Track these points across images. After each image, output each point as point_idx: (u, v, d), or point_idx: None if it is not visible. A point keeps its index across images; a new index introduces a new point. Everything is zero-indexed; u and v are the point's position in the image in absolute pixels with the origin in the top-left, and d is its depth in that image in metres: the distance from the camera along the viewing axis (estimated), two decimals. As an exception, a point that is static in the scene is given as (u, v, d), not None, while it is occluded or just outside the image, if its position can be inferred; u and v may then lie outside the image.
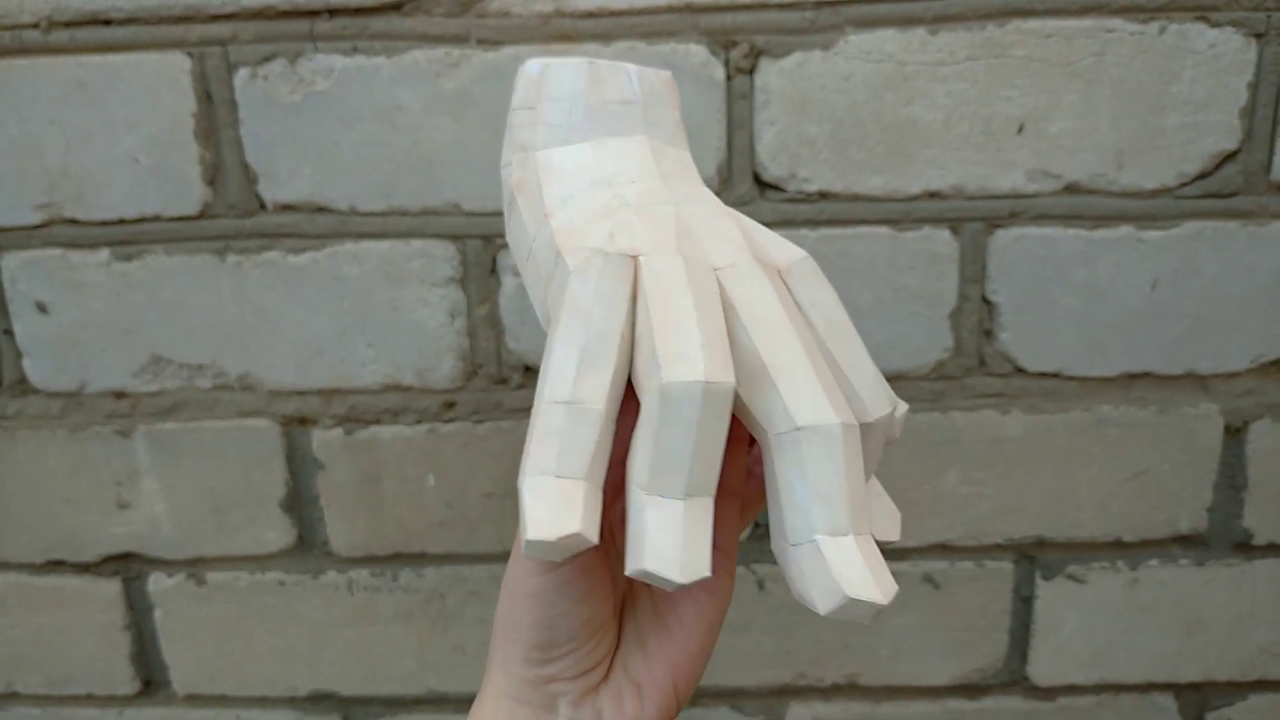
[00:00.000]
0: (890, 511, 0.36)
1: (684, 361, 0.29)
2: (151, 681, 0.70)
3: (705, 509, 0.30)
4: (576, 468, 0.30)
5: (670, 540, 0.29)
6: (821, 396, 0.30)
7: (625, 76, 0.38)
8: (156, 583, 0.67)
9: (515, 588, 0.35)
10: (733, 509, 0.38)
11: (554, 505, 0.30)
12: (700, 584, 0.38)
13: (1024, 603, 0.66)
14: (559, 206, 0.37)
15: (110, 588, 0.68)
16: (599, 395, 0.31)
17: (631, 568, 0.29)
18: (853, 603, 0.28)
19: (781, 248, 0.35)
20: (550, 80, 0.38)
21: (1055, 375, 0.61)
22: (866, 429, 0.32)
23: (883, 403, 0.33)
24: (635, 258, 0.32)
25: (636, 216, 0.34)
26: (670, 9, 0.55)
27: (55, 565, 0.67)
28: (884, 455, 0.61)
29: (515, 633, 0.35)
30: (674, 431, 0.29)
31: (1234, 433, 0.61)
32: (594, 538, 0.30)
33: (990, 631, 0.66)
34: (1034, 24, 0.54)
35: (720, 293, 0.32)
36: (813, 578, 0.29)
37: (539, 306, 0.37)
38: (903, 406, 0.38)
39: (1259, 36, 0.54)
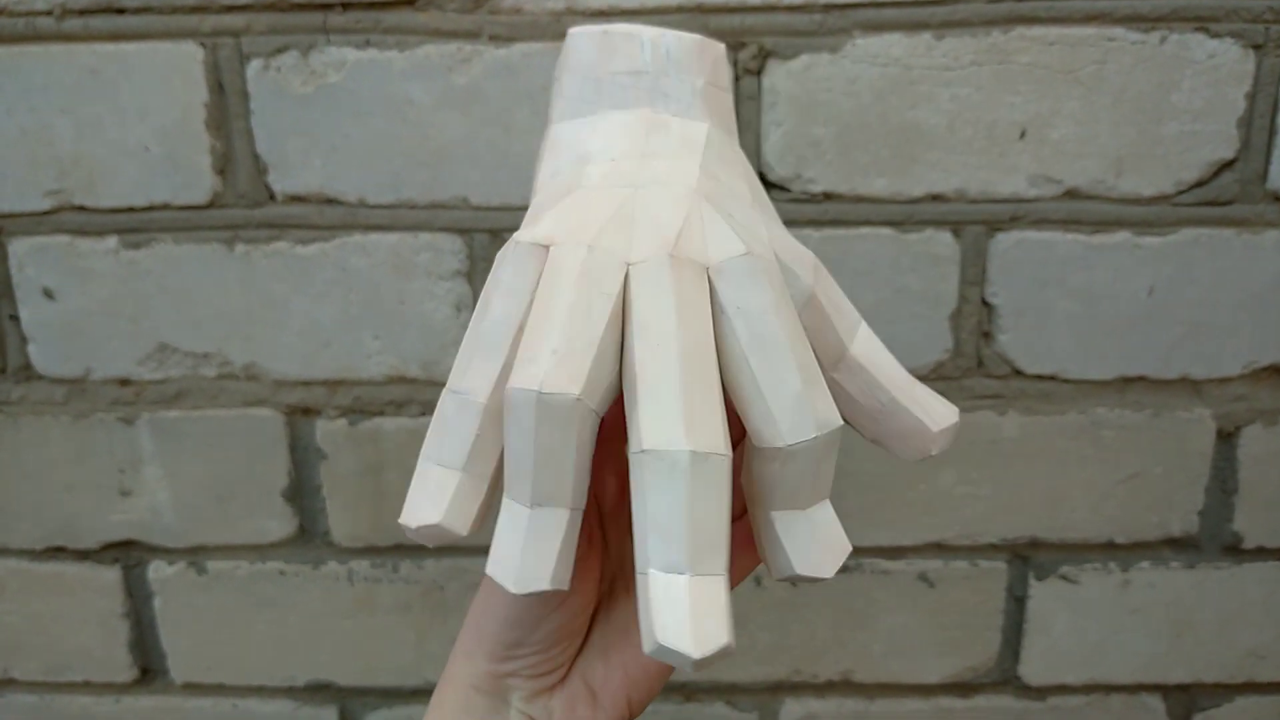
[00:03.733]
0: (831, 544, 0.31)
1: (530, 366, 0.28)
2: (149, 670, 0.70)
3: (556, 520, 0.29)
4: (454, 458, 0.30)
5: (511, 547, 0.29)
6: (676, 418, 0.28)
7: (638, 45, 0.36)
8: (157, 570, 0.68)
9: (493, 585, 0.35)
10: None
11: (427, 493, 0.30)
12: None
13: (1017, 602, 0.66)
14: (545, 183, 0.36)
15: (110, 575, 0.68)
16: (482, 388, 0.30)
17: (487, 569, 0.29)
18: (662, 649, 0.26)
19: (725, 240, 0.31)
20: (569, 50, 0.37)
21: (1052, 378, 0.61)
22: (776, 454, 0.29)
23: (803, 426, 0.29)
24: (547, 247, 0.31)
25: (581, 201, 0.33)
26: (680, 9, 0.56)
27: (55, 551, 0.67)
28: (881, 453, 0.62)
29: (486, 626, 0.35)
30: (517, 439, 0.28)
31: (1226, 437, 0.62)
32: (460, 530, 0.30)
33: (983, 630, 0.67)
34: (1038, 31, 0.55)
35: (624, 292, 0.30)
36: (641, 612, 0.27)
37: None
38: (946, 417, 0.35)
39: (1257, 48, 0.55)
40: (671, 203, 0.32)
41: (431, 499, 0.30)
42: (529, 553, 0.28)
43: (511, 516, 0.29)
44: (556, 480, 0.28)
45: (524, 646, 0.35)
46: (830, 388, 0.34)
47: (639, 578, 0.28)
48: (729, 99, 0.39)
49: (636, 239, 0.31)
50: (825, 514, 0.31)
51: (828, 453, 0.30)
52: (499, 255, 0.32)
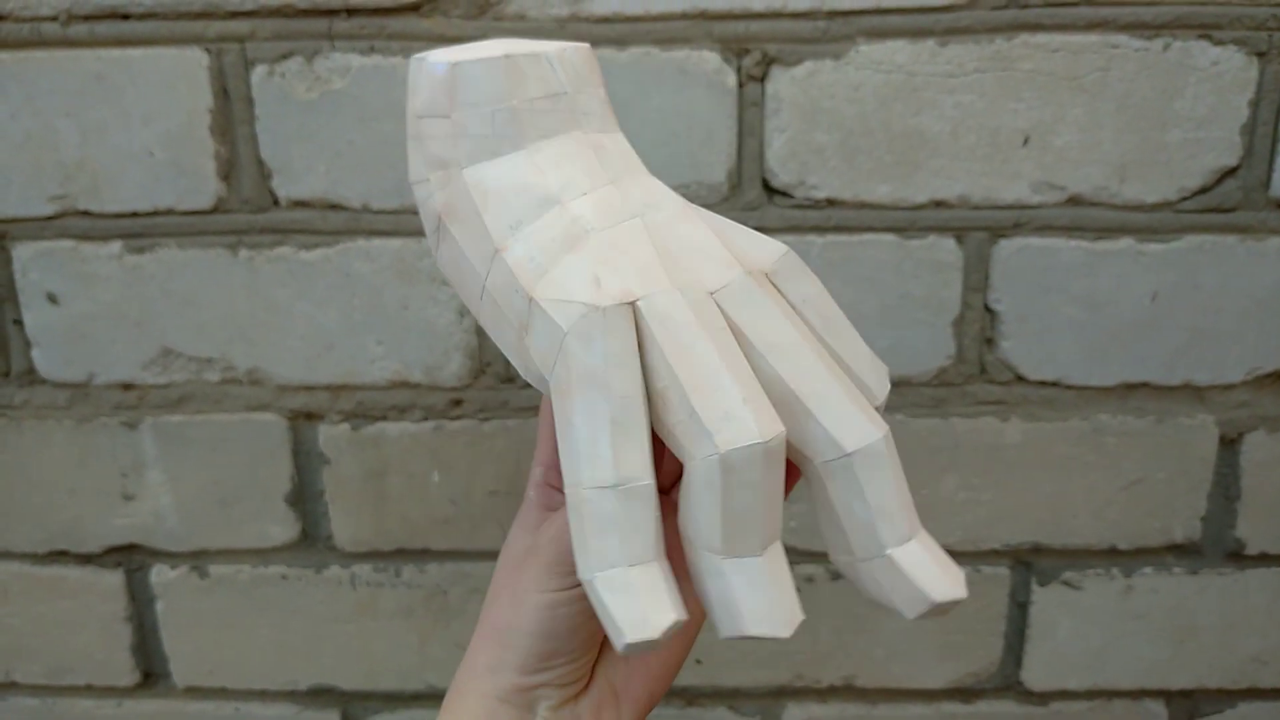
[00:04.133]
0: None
1: (734, 423, 0.28)
2: (151, 673, 0.70)
3: (779, 554, 0.30)
4: (644, 552, 0.29)
5: (765, 600, 0.29)
6: (860, 417, 0.30)
7: (547, 66, 0.33)
8: (159, 574, 0.68)
9: (524, 597, 0.35)
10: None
11: (642, 600, 0.28)
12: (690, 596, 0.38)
13: (1019, 608, 0.66)
14: (509, 236, 0.32)
15: (113, 579, 0.68)
16: (642, 469, 0.29)
17: (729, 632, 0.29)
18: (940, 606, 0.29)
19: (756, 244, 0.33)
20: (463, 83, 0.33)
21: (1055, 384, 0.61)
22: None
23: (884, 382, 0.33)
24: (632, 304, 0.30)
25: (609, 245, 0.31)
26: (684, 16, 0.56)
27: (58, 555, 0.68)
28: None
29: (514, 639, 0.35)
30: (743, 494, 0.28)
31: (1229, 443, 0.62)
32: (684, 616, 0.29)
33: (986, 636, 0.67)
34: (1041, 38, 0.55)
35: (724, 318, 0.31)
36: (893, 589, 0.30)
37: (511, 354, 0.33)
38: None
39: (1261, 55, 0.55)
40: (684, 223, 0.33)
41: (651, 604, 0.28)
42: (781, 594, 0.29)
43: (745, 573, 0.29)
44: (775, 516, 0.30)
45: (558, 657, 0.35)
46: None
47: (863, 565, 0.30)
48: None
49: (699, 268, 0.32)
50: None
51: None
52: (576, 328, 0.29)
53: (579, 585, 0.33)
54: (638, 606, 0.28)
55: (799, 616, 0.29)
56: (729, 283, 0.31)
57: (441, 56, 0.33)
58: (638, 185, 0.34)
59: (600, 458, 0.29)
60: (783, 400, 0.30)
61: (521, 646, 0.35)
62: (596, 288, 0.30)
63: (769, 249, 0.33)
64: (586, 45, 0.36)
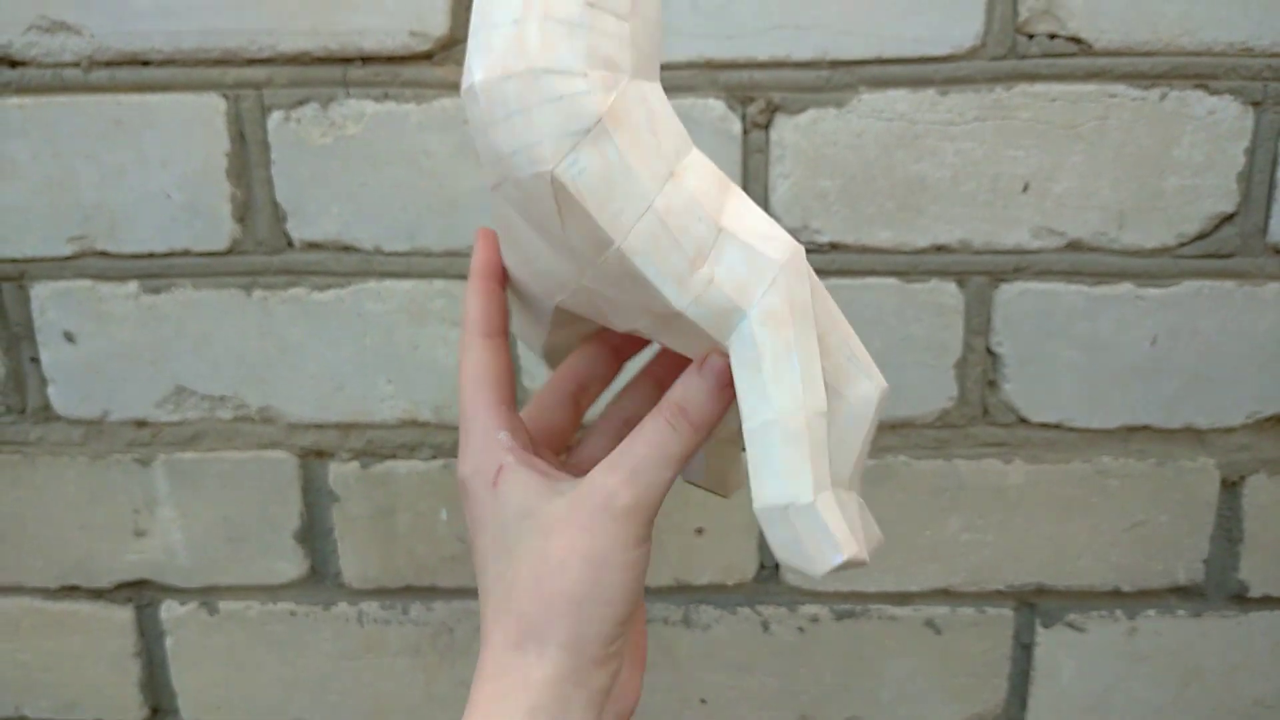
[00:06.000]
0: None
1: (870, 370, 0.33)
2: (159, 709, 0.71)
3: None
4: (846, 471, 0.33)
5: (848, 527, 0.31)
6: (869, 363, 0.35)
7: None
8: (169, 610, 0.68)
9: (605, 558, 0.32)
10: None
11: (849, 522, 0.32)
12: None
13: (1024, 649, 0.67)
14: (678, 163, 0.31)
15: (123, 614, 0.68)
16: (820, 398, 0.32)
17: (827, 563, 0.31)
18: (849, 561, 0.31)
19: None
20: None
21: (1057, 426, 0.62)
22: None
23: None
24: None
25: (742, 197, 0.32)
26: (690, 65, 0.57)
27: (69, 590, 0.68)
28: (890, 502, 0.63)
29: (597, 609, 0.32)
30: (867, 429, 0.33)
31: (1230, 486, 0.63)
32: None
33: (990, 677, 0.67)
34: (1040, 88, 0.56)
35: None
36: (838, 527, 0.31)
37: (665, 278, 0.31)
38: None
39: (1256, 104, 0.56)
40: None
41: (853, 527, 0.32)
42: (864, 524, 0.33)
43: (847, 504, 0.32)
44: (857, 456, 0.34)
45: (632, 621, 0.34)
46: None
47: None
48: None
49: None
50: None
51: None
52: (794, 265, 0.31)
53: (649, 537, 0.34)
54: (846, 527, 0.31)
55: (876, 536, 0.34)
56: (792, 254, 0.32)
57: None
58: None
59: (817, 386, 0.30)
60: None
61: (605, 616, 0.33)
62: (782, 231, 0.31)
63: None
64: None
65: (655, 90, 0.31)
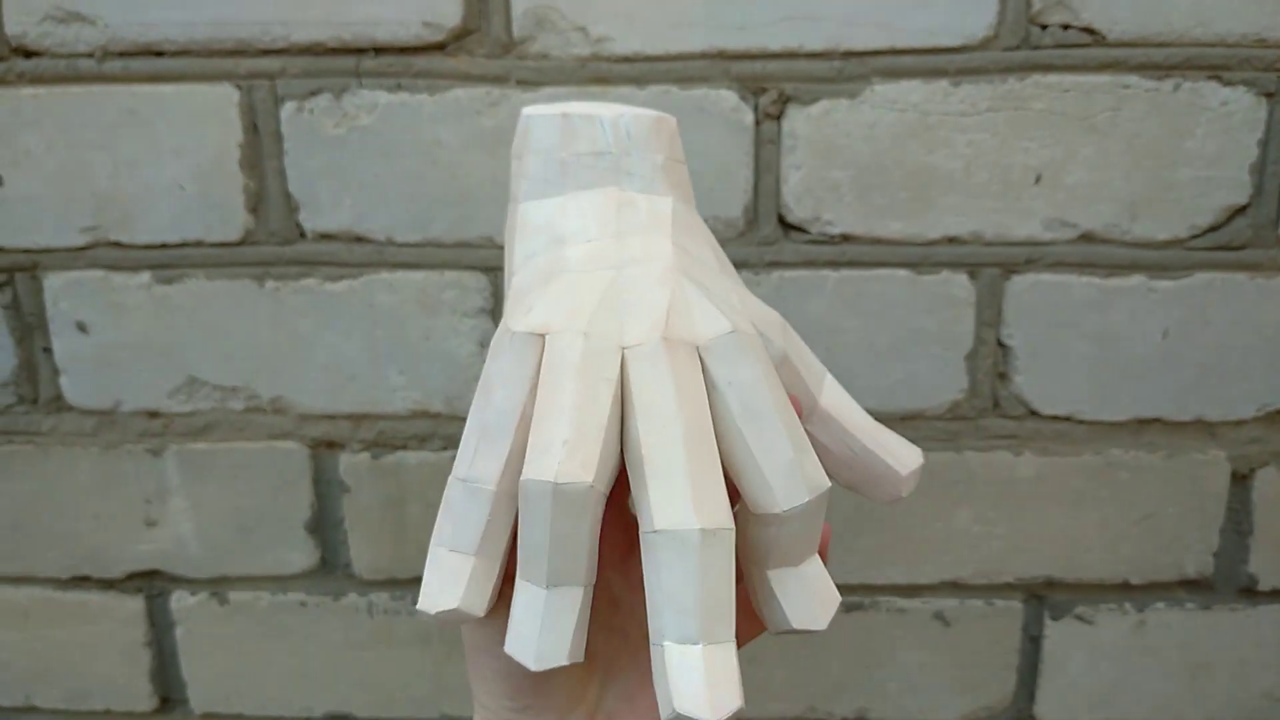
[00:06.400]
0: (823, 597, 0.33)
1: (544, 458, 0.29)
2: (169, 699, 0.71)
3: (570, 598, 0.30)
4: (466, 544, 0.31)
5: (529, 627, 0.30)
6: (685, 499, 0.29)
7: (598, 127, 0.37)
8: (179, 600, 0.68)
9: (468, 645, 0.35)
10: None
11: (442, 579, 0.31)
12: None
13: (1032, 642, 0.67)
14: (521, 265, 0.36)
15: (134, 604, 0.69)
16: (491, 475, 0.31)
17: (505, 648, 0.31)
18: (681, 717, 0.28)
19: (709, 318, 0.33)
20: (531, 132, 0.38)
21: (1067, 419, 0.62)
22: (773, 519, 0.31)
23: (796, 492, 0.31)
24: (543, 336, 0.32)
25: (568, 286, 0.34)
26: (703, 56, 0.57)
27: (80, 580, 0.68)
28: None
29: (480, 683, 0.36)
30: (532, 525, 0.30)
31: (1240, 479, 0.63)
32: (478, 612, 0.31)
33: (999, 670, 0.67)
34: (1053, 79, 0.56)
35: (622, 376, 0.31)
36: (657, 681, 0.29)
37: None
38: (913, 460, 0.37)
39: (1269, 96, 0.56)
40: (655, 283, 0.34)
41: (448, 585, 0.31)
42: (547, 631, 0.30)
43: (528, 598, 0.30)
44: (571, 561, 0.30)
45: (525, 693, 0.35)
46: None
47: (654, 649, 0.29)
48: (685, 170, 0.40)
49: (628, 323, 0.32)
50: (815, 568, 0.33)
51: (818, 513, 0.32)
52: (494, 345, 0.33)
53: (488, 630, 0.34)
54: (437, 584, 0.31)
55: (559, 659, 0.30)
56: (641, 343, 0.32)
57: (528, 108, 0.38)
58: (643, 243, 0.36)
59: (464, 454, 0.32)
60: (635, 464, 0.30)
61: (489, 688, 0.36)
62: (526, 316, 0.33)
63: (715, 326, 0.32)
64: (656, 114, 0.38)
65: None
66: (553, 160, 0.37)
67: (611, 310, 0.33)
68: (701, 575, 0.29)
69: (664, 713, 0.28)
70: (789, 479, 0.31)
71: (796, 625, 0.32)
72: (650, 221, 0.37)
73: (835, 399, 0.38)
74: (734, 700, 0.28)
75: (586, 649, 0.36)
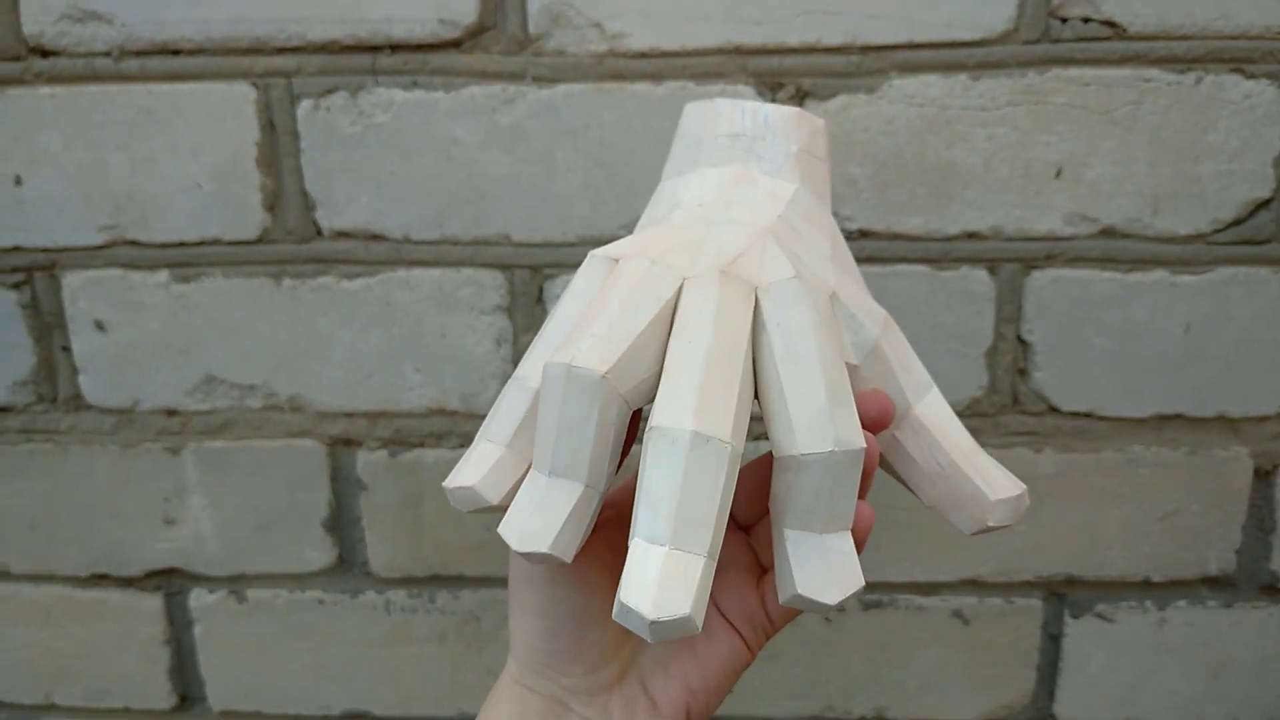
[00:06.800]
0: (841, 573, 0.31)
1: (569, 347, 0.30)
2: (188, 697, 0.71)
3: (569, 491, 0.30)
4: (500, 434, 0.33)
5: (521, 511, 0.30)
6: (688, 401, 0.29)
7: (739, 112, 0.40)
8: (198, 598, 0.69)
9: (513, 576, 0.36)
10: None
11: (471, 462, 0.32)
12: (732, 623, 0.38)
13: (1052, 640, 0.66)
14: (646, 224, 0.40)
15: (152, 602, 0.69)
16: (535, 374, 0.33)
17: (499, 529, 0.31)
18: (623, 608, 0.27)
19: (774, 266, 0.33)
20: (683, 120, 0.42)
21: (1088, 415, 0.62)
22: (791, 463, 0.30)
23: (821, 438, 0.30)
24: (617, 260, 0.34)
25: (664, 228, 0.36)
26: (720, 51, 0.57)
27: (99, 579, 0.69)
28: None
29: (520, 619, 0.36)
30: (545, 410, 0.30)
31: (1263, 476, 0.62)
32: (491, 497, 0.32)
33: (1018, 668, 0.67)
34: (1073, 72, 0.56)
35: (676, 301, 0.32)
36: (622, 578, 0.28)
37: None
38: (1008, 489, 0.35)
39: (1292, 89, 0.56)
40: (740, 236, 0.34)
41: (474, 467, 0.32)
42: (538, 514, 0.30)
43: (530, 483, 0.31)
44: (575, 453, 0.30)
45: (558, 655, 0.36)
46: (890, 446, 0.36)
47: (630, 541, 0.29)
48: (825, 168, 0.41)
49: (698, 259, 0.33)
50: (841, 542, 0.31)
51: (845, 474, 0.30)
52: (579, 270, 0.34)
53: (556, 588, 0.35)
54: (466, 466, 0.33)
55: (542, 544, 0.29)
56: (700, 272, 0.32)
57: (690, 102, 0.42)
58: (750, 212, 0.37)
59: (525, 359, 0.34)
60: (659, 374, 0.31)
61: (524, 645, 0.36)
62: (609, 247, 0.35)
63: (779, 272, 0.33)
64: (799, 110, 0.40)
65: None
66: (693, 142, 0.40)
67: (687, 249, 0.34)
68: (684, 477, 0.28)
69: (615, 609, 0.28)
70: (814, 423, 0.30)
71: (801, 591, 0.31)
72: (766, 199, 0.38)
73: (934, 412, 0.37)
74: (682, 605, 0.27)
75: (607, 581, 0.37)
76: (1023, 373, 0.61)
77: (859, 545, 0.33)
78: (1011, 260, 0.59)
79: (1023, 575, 0.65)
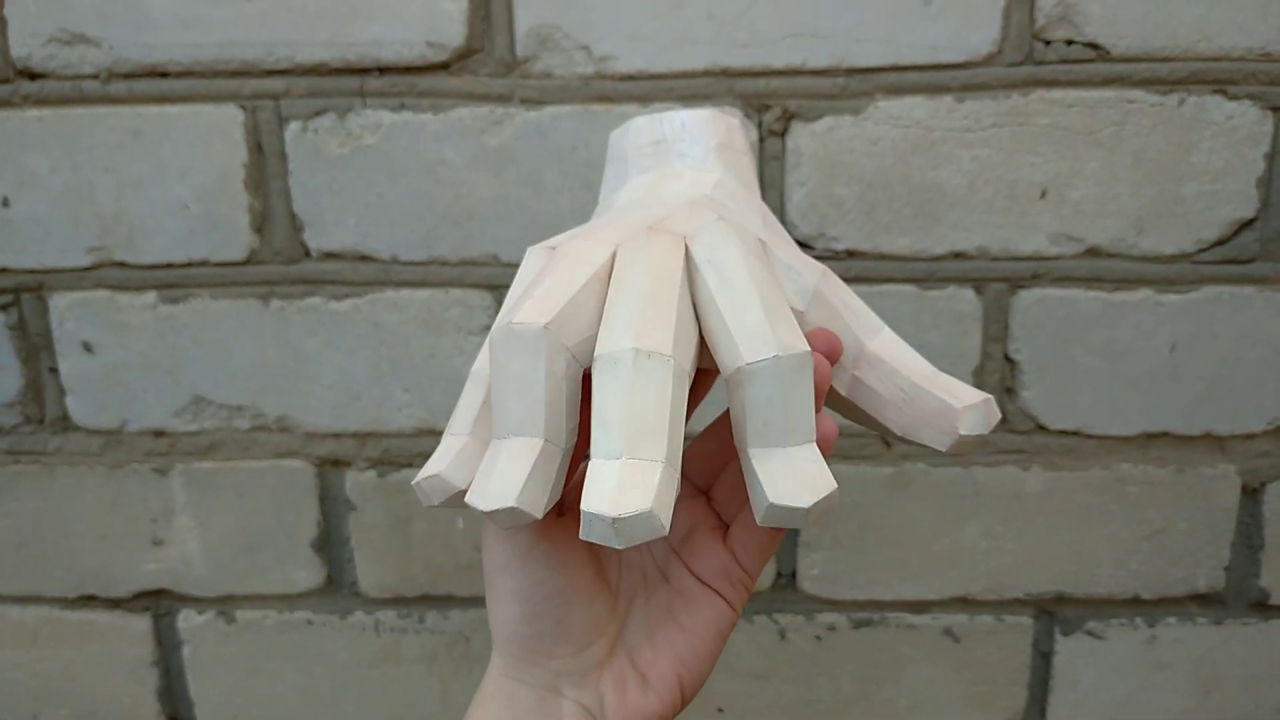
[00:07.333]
0: (809, 478, 0.31)
1: (511, 313, 0.31)
2: (177, 718, 0.71)
3: (528, 447, 0.30)
4: (461, 426, 0.34)
5: (484, 474, 0.30)
6: (626, 328, 0.30)
7: (656, 123, 0.42)
8: (186, 619, 0.68)
9: (488, 565, 0.36)
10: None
11: (438, 455, 0.33)
12: (710, 585, 0.38)
13: (1043, 658, 0.66)
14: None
15: (140, 623, 0.69)
16: (487, 365, 0.34)
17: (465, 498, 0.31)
18: (587, 517, 0.27)
19: (699, 217, 0.35)
20: (609, 147, 0.43)
21: (1075, 433, 0.62)
22: (742, 376, 0.30)
23: (763, 346, 0.30)
24: (554, 249, 0.35)
25: (593, 223, 0.37)
26: (707, 73, 0.57)
27: (87, 600, 0.68)
28: (906, 509, 0.63)
29: (499, 608, 0.36)
30: (495, 378, 0.31)
31: (1251, 493, 0.62)
32: (459, 482, 0.32)
33: (1009, 686, 0.67)
34: (1057, 94, 0.56)
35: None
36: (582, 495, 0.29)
37: None
38: (973, 396, 0.35)
39: (1275, 110, 0.56)
40: (667, 207, 0.36)
41: (439, 457, 0.33)
42: (501, 474, 0.30)
43: (491, 449, 0.31)
44: (529, 409, 0.30)
45: (540, 617, 0.35)
46: (853, 386, 0.37)
47: (588, 470, 0.29)
48: (747, 159, 0.43)
49: (629, 229, 0.34)
50: (807, 452, 0.31)
51: (794, 379, 0.31)
52: (521, 264, 0.36)
53: (521, 537, 0.35)
54: (434, 460, 0.33)
55: (508, 500, 0.29)
56: (633, 237, 0.34)
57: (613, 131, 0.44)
58: (675, 192, 0.40)
59: (480, 356, 0.36)
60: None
61: (505, 614, 0.36)
62: (552, 239, 0.36)
63: (703, 219, 0.35)
64: (713, 109, 0.42)
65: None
66: (620, 160, 0.42)
67: (619, 228, 0.35)
68: (630, 391, 0.29)
69: (582, 528, 0.28)
70: (754, 334, 0.31)
71: (774, 500, 0.30)
72: (690, 188, 0.40)
73: (889, 346, 0.37)
74: (643, 501, 0.27)
75: (610, 584, 0.38)
76: (1010, 391, 0.61)
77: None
78: (998, 280, 0.59)
79: (1013, 593, 0.65)
